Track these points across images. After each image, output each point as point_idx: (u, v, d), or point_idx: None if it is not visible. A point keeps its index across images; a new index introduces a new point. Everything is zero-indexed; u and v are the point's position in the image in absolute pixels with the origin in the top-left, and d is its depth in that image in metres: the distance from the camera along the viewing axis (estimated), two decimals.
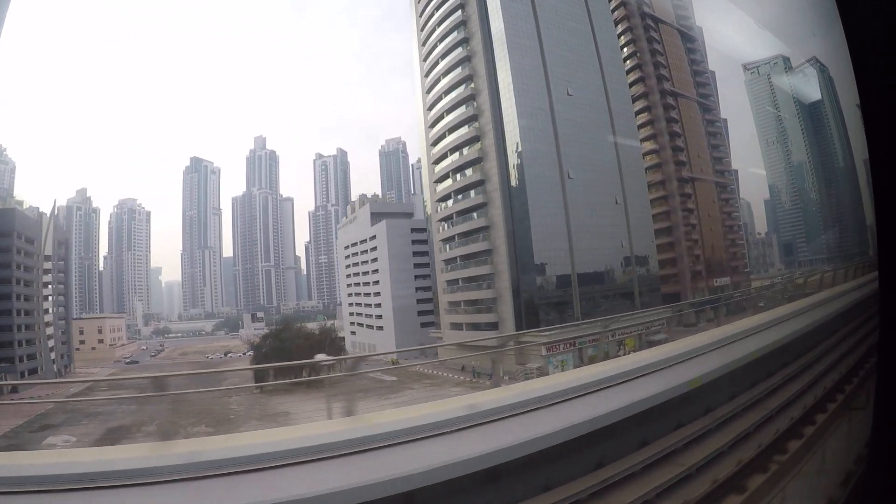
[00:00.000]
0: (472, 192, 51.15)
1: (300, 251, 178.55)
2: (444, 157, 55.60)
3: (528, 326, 45.69)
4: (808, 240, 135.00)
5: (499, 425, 6.52)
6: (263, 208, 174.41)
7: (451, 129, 54.01)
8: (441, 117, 56.22)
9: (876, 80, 3.01)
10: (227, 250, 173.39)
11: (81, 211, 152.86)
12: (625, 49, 77.00)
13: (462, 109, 53.24)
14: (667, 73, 74.94)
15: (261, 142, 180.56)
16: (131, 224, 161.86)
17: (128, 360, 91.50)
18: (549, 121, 49.33)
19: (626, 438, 7.40)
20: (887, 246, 3.15)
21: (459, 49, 54.15)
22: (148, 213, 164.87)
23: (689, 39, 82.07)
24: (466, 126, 52.55)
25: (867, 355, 10.57)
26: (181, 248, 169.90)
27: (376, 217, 74.53)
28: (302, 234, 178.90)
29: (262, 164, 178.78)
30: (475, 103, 51.89)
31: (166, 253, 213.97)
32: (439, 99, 56.80)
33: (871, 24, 3.01)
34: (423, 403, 8.39)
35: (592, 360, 48.10)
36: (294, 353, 48.97)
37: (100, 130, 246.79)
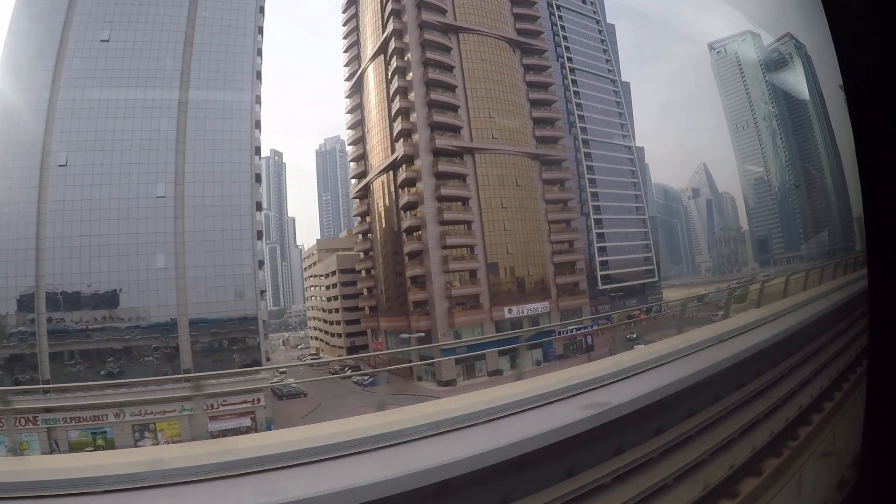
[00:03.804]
0: None
1: None
2: None
3: None
4: (784, 234, 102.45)
5: (523, 416, 6.47)
6: None
7: None
8: None
9: (862, 57, 2.50)
10: None
11: None
12: None
13: None
14: (438, 2, 51.72)
15: None
16: None
17: None
18: (43, 85, 32.77)
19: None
20: (878, 240, 2.73)
21: None
22: None
23: None
24: None
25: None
26: None
27: None
28: None
29: None
30: None
31: None
32: None
33: None
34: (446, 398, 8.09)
35: (81, 448, 30.08)
36: None
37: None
